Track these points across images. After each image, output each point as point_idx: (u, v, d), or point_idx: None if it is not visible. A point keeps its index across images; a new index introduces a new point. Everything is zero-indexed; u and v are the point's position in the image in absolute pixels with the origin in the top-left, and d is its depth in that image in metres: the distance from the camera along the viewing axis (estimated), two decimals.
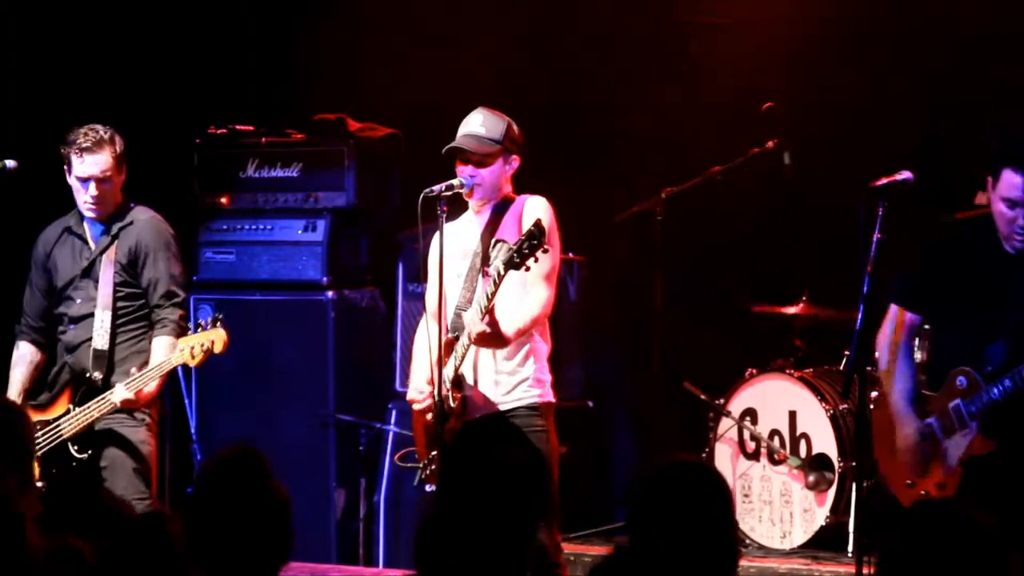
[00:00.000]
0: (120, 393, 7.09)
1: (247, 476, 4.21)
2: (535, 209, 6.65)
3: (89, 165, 7.23)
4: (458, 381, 6.63)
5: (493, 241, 6.68)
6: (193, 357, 7.08)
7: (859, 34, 8.95)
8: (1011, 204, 5.91)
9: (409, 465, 6.94)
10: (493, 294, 6.41)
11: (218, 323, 7.12)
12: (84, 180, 7.25)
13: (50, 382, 7.41)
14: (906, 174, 5.95)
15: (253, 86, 9.82)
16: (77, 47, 9.51)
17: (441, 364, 6.53)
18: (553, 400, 6.72)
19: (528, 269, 6.33)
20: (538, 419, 6.60)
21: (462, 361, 6.60)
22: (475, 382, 6.66)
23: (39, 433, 7.19)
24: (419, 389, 6.77)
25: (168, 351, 7.16)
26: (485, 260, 6.67)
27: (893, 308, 6.31)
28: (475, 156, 6.67)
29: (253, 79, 9.81)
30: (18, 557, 4.33)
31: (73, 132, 7.27)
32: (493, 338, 6.48)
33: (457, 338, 6.64)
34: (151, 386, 7.12)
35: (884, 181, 5.91)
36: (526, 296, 6.58)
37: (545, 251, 6.25)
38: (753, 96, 8.86)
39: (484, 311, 6.42)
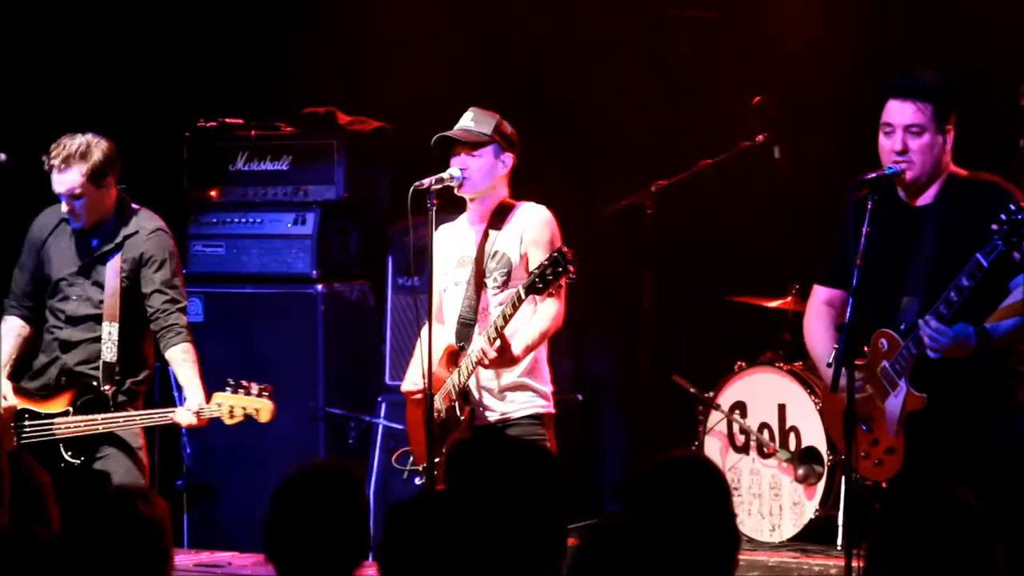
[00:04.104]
0: (185, 417, 7.08)
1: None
2: (534, 219, 6.69)
3: (57, 183, 7.20)
4: (465, 394, 6.65)
5: (492, 251, 6.71)
6: (232, 417, 7.08)
7: (850, 27, 8.97)
8: (888, 130, 5.93)
9: (408, 468, 6.95)
10: (509, 317, 6.42)
11: (264, 394, 7.10)
12: (60, 195, 7.23)
13: (38, 371, 7.37)
14: (895, 167, 5.92)
15: (243, 80, 9.84)
16: (70, 41, 9.51)
17: (431, 366, 6.54)
18: (554, 411, 6.76)
19: (551, 295, 6.37)
20: (540, 428, 6.66)
21: (469, 376, 6.62)
22: (479, 392, 6.69)
23: (27, 423, 7.19)
24: (415, 381, 6.77)
25: (193, 359, 7.16)
26: (483, 271, 6.70)
27: (814, 288, 6.36)
28: (464, 147, 6.68)
29: (243, 73, 9.84)
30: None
31: (53, 145, 7.22)
32: (503, 361, 6.52)
33: (463, 348, 6.67)
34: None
35: (872, 174, 5.90)
36: (536, 310, 6.58)
37: (571, 279, 6.28)
38: (743, 90, 8.91)
39: (496, 337, 6.43)
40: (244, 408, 7.06)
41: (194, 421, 7.08)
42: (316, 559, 4.14)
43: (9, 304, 7.48)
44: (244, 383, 7.11)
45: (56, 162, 7.15)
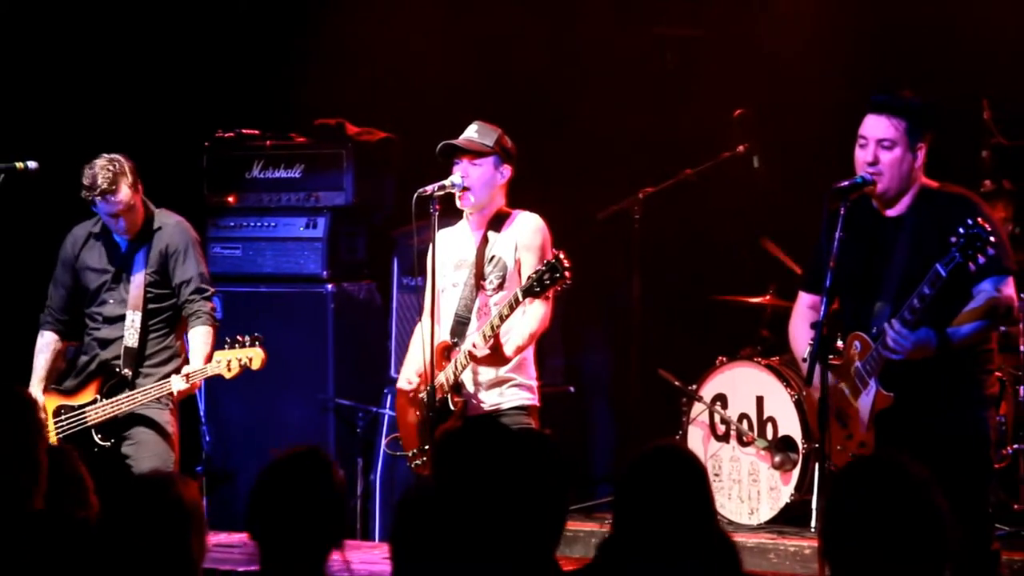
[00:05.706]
0: (177, 384, 7.33)
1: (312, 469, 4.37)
2: (528, 226, 6.93)
3: (114, 204, 7.34)
4: (457, 386, 6.86)
5: (489, 256, 6.94)
6: (230, 370, 7.31)
7: (828, 44, 9.16)
8: (863, 143, 6.05)
9: (398, 453, 7.15)
10: (506, 317, 6.63)
11: (256, 343, 7.33)
12: (114, 216, 7.41)
13: (80, 369, 7.60)
14: (867, 176, 6.06)
15: (259, 93, 10.00)
16: (97, 57, 9.69)
17: (434, 363, 6.77)
18: (538, 404, 6.99)
19: (547, 299, 6.62)
20: (526, 418, 6.88)
21: (463, 370, 6.82)
22: (474, 385, 6.90)
23: (63, 417, 7.46)
24: (409, 379, 7.00)
25: (207, 340, 7.38)
26: (481, 273, 6.93)
27: (799, 295, 6.50)
28: (467, 155, 6.88)
29: (259, 87, 10.00)
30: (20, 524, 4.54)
31: (87, 176, 7.30)
32: (495, 358, 6.77)
33: (456, 344, 6.89)
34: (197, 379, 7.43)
35: (846, 182, 6.06)
36: (524, 312, 6.79)
37: (566, 285, 6.49)
38: (726, 103, 9.07)
39: (491, 335, 6.64)
40: (239, 360, 7.29)
41: (183, 386, 7.33)
42: (293, 538, 4.24)
43: (45, 320, 7.70)
44: (239, 337, 7.34)
45: (105, 185, 7.29)
